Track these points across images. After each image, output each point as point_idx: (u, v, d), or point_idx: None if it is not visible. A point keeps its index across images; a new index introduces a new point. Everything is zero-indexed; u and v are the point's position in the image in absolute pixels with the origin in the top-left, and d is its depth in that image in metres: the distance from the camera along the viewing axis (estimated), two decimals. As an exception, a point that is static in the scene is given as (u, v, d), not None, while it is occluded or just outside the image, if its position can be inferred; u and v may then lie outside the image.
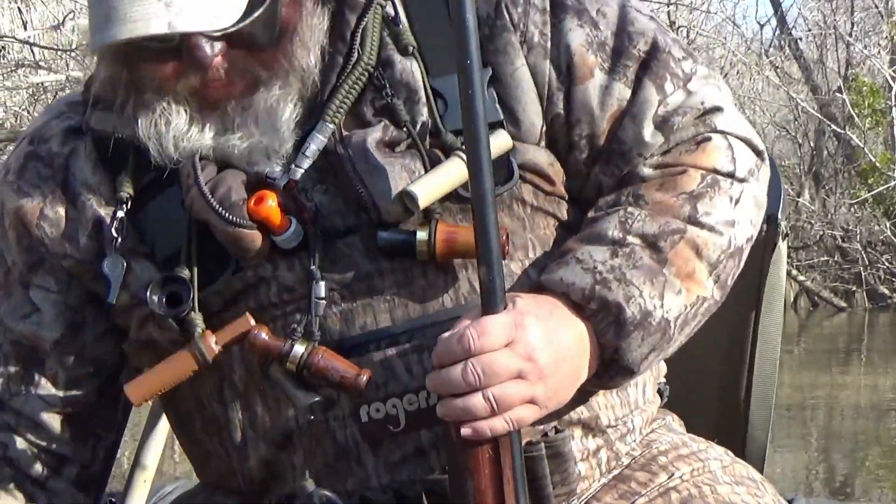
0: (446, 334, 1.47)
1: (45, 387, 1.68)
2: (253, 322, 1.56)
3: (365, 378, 1.52)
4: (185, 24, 1.49)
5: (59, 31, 9.49)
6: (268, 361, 1.56)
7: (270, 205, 1.56)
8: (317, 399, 1.55)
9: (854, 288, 20.39)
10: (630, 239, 1.58)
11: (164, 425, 2.24)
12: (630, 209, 1.60)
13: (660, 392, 1.79)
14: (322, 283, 1.58)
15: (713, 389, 1.93)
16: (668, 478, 1.68)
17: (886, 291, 19.96)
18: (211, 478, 1.73)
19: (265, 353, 1.55)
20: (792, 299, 19.53)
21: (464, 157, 1.53)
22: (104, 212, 1.65)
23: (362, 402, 1.56)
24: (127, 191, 1.64)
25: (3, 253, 1.72)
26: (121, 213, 1.62)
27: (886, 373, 12.94)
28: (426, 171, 1.57)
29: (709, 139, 1.64)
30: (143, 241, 1.65)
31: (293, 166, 1.58)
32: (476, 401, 1.44)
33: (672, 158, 1.64)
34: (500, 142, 1.58)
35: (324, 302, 1.57)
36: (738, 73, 22.57)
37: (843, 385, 12.11)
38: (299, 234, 1.58)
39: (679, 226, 1.59)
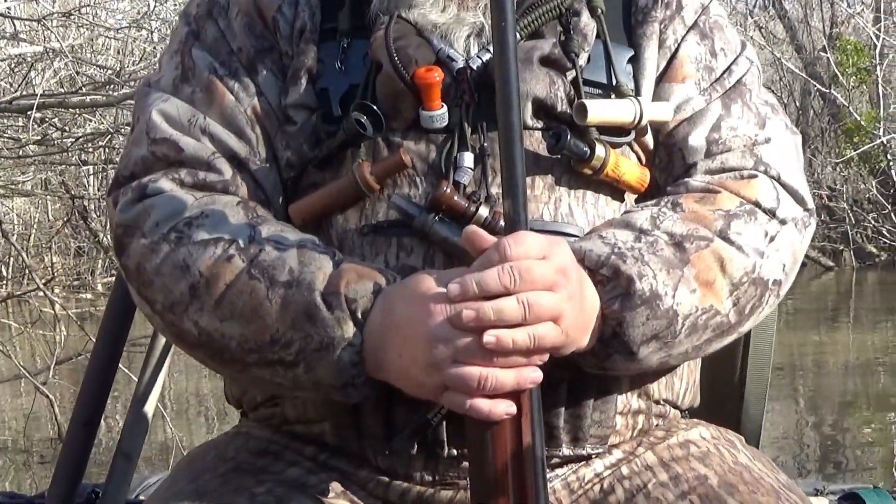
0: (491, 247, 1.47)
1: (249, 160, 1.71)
2: (407, 158, 1.62)
3: None
4: None
5: (36, 1, 9.47)
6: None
7: (437, 78, 1.61)
8: None
9: (841, 247, 20.47)
10: (657, 233, 1.62)
11: (148, 415, 2.23)
12: (664, 210, 1.65)
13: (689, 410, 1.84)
14: (469, 154, 1.62)
15: (709, 366, 1.91)
16: (688, 433, 1.75)
17: (874, 250, 20.06)
18: None
19: (450, 206, 1.58)
20: (780, 259, 19.59)
21: (637, 101, 1.67)
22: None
23: None
24: (346, 20, 1.71)
25: (227, 40, 1.73)
26: (344, 43, 1.70)
27: (874, 331, 13.00)
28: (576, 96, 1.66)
29: (755, 176, 1.70)
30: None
31: (475, 55, 1.66)
32: (509, 303, 1.43)
33: (717, 182, 1.69)
34: (623, 109, 1.67)
35: (470, 170, 1.61)
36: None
37: (832, 344, 12.16)
38: (444, 119, 1.64)
39: (708, 234, 1.63)
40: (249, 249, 1.57)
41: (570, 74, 1.68)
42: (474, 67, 1.65)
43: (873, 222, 19.78)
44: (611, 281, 1.56)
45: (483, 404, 1.44)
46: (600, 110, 1.64)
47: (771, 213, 1.68)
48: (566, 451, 1.66)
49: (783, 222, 1.69)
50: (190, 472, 1.72)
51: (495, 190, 1.62)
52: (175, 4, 10.20)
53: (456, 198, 1.59)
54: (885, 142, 17.77)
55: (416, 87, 1.62)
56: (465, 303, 1.43)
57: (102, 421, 2.15)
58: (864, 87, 19.26)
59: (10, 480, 6.53)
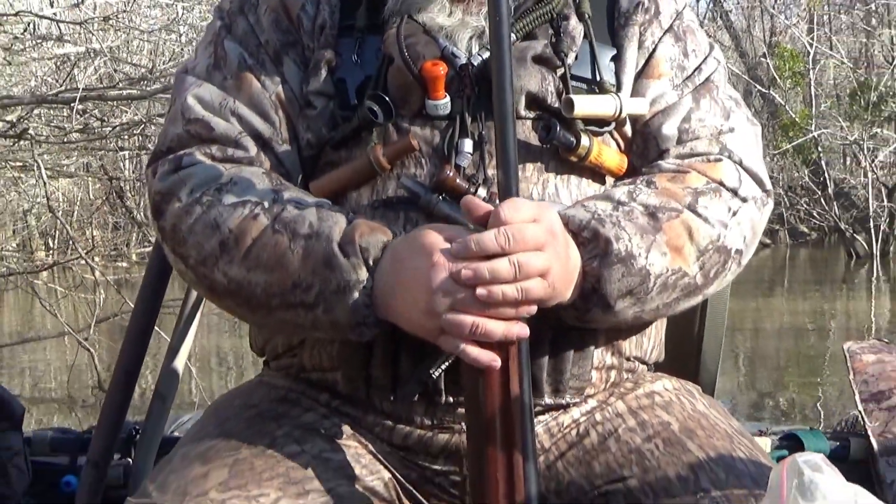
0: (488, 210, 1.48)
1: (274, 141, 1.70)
2: (415, 142, 1.62)
3: None
4: None
5: (79, 8, 9.44)
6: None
7: (441, 72, 1.61)
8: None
9: (777, 227, 20.58)
10: (633, 204, 1.61)
11: (180, 364, 2.22)
12: (640, 186, 1.65)
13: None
14: (468, 141, 1.62)
15: (673, 327, 1.91)
16: (653, 385, 1.75)
17: (805, 230, 20.20)
18: None
19: (453, 188, 1.58)
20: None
21: (617, 97, 1.68)
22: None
23: None
24: (363, 18, 1.69)
25: (256, 34, 1.72)
26: (360, 39, 1.69)
27: (805, 299, 13.07)
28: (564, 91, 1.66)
29: (720, 160, 1.71)
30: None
31: (475, 54, 1.65)
32: (502, 263, 1.44)
33: (687, 164, 1.69)
34: (605, 104, 1.68)
35: (470, 154, 1.62)
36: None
37: (768, 310, 12.22)
38: (447, 108, 1.63)
39: (678, 207, 1.63)
40: (273, 209, 1.56)
41: (560, 71, 1.67)
42: (475, 63, 1.63)
43: (805, 206, 19.93)
44: (591, 242, 1.56)
45: (473, 349, 1.44)
46: (585, 105, 1.64)
47: (733, 192, 1.68)
48: (548, 400, 1.66)
49: (744, 200, 1.69)
50: (218, 417, 1.72)
51: (492, 172, 1.60)
52: (200, 12, 10.19)
53: (458, 181, 1.59)
54: (816, 136, 17.86)
55: (423, 78, 1.62)
56: (465, 262, 1.44)
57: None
58: (799, 88, 19.32)
59: (56, 422, 6.53)
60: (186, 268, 1.63)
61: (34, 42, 9.23)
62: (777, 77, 18.51)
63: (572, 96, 1.64)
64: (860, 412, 2.54)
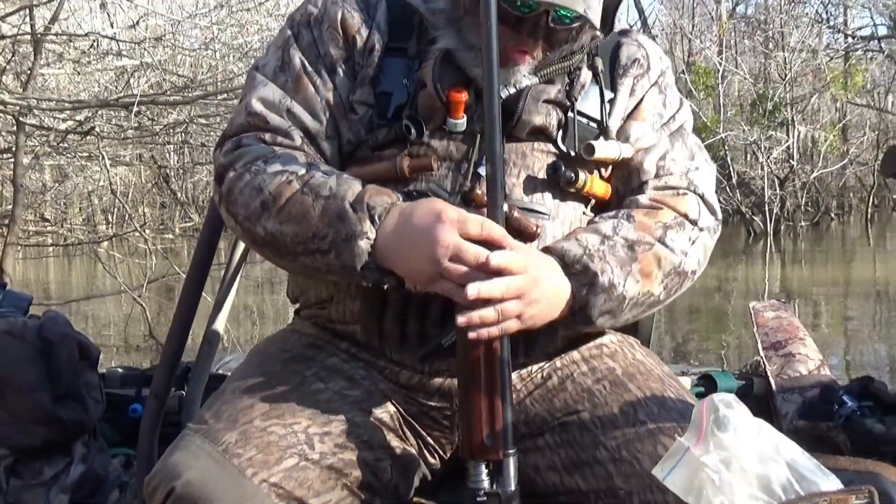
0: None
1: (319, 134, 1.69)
2: (435, 164, 1.62)
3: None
4: (595, 19, 1.63)
5: (135, 28, 9.35)
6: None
7: (463, 97, 1.61)
8: None
9: (691, 209, 20.51)
10: (616, 237, 1.62)
11: (224, 313, 2.22)
12: (622, 221, 1.65)
13: None
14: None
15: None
16: (601, 338, 1.76)
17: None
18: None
19: (479, 201, 1.58)
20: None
21: (620, 145, 1.70)
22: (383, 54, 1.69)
23: None
24: (414, 47, 1.68)
25: (317, 46, 1.70)
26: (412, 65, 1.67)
27: (712, 266, 13.04)
28: (565, 131, 1.68)
29: (686, 194, 1.71)
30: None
31: (504, 87, 1.64)
32: (489, 312, 1.46)
33: (660, 197, 1.70)
34: (613, 150, 1.70)
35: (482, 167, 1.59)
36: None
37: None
38: (463, 126, 1.63)
39: (651, 241, 1.64)
40: (304, 177, 1.57)
41: (566, 110, 1.69)
42: (502, 95, 1.62)
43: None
44: (581, 273, 1.58)
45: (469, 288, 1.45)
46: (602, 150, 1.66)
47: (694, 223, 1.69)
48: (521, 359, 1.69)
49: (701, 229, 1.70)
50: (258, 358, 1.73)
51: (510, 187, 1.64)
52: (232, 33, 10.09)
53: (484, 196, 1.57)
54: (723, 137, 17.87)
55: (447, 102, 1.62)
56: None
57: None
58: (710, 99, 19.30)
59: (115, 362, 6.52)
60: (236, 223, 1.63)
61: (98, 56, 9.12)
62: (693, 89, 18.46)
63: (593, 142, 1.66)
64: (762, 358, 2.56)
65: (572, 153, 1.67)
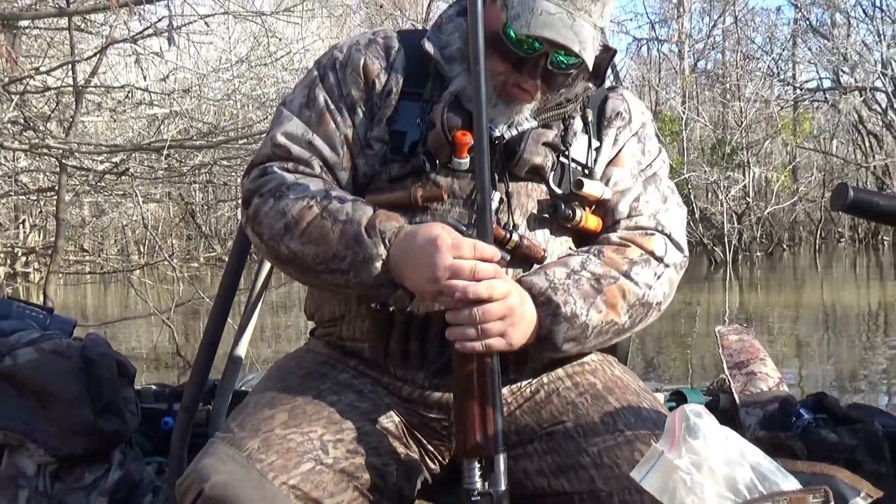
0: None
1: (336, 165, 1.69)
2: (445, 195, 1.63)
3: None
4: (589, 60, 1.60)
5: (165, 81, 9.38)
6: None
7: (468, 140, 1.59)
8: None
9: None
10: (583, 272, 1.62)
11: (248, 334, 2.21)
12: (591, 257, 1.65)
13: None
14: (497, 193, 1.62)
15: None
16: (581, 358, 1.74)
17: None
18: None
19: (497, 236, 1.58)
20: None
21: (604, 186, 1.69)
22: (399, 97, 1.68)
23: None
24: (429, 92, 1.67)
25: (340, 87, 1.69)
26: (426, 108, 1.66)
27: (678, 293, 12.85)
28: (562, 175, 1.68)
29: (653, 234, 1.70)
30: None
31: (503, 128, 1.63)
32: (471, 331, 1.48)
33: (629, 236, 1.69)
34: (598, 189, 1.69)
35: (496, 203, 1.61)
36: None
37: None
38: (466, 165, 1.63)
39: (616, 275, 1.64)
40: (323, 202, 1.58)
41: (559, 153, 1.69)
42: (505, 137, 1.64)
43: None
44: (545, 304, 1.58)
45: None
46: (589, 188, 1.67)
47: (660, 260, 1.68)
48: (511, 376, 1.69)
49: (667, 266, 1.69)
50: (278, 374, 1.73)
51: (517, 218, 1.65)
52: (250, 86, 10.12)
53: (501, 231, 1.61)
54: (687, 177, 17.90)
55: (453, 142, 1.62)
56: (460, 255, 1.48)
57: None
58: (675, 143, 19.37)
59: (145, 379, 6.48)
60: (261, 242, 1.64)
61: (132, 105, 9.14)
62: (659, 135, 18.55)
63: (582, 179, 1.67)
64: (727, 376, 2.54)
65: (562, 192, 1.68)
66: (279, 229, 1.59)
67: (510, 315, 1.51)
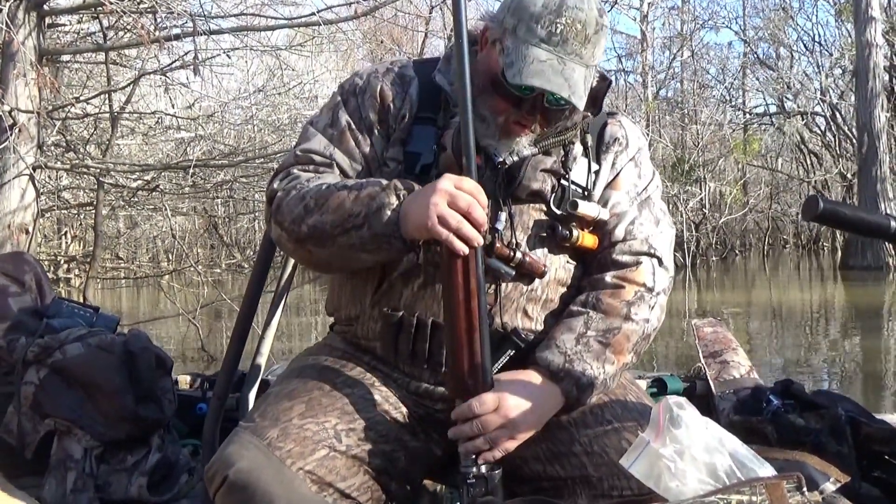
0: (464, 405, 1.49)
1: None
2: None
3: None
4: (579, 103, 1.51)
5: (191, 108, 9.35)
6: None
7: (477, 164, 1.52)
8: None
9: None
10: (589, 333, 1.58)
11: (272, 330, 2.17)
12: (591, 313, 1.60)
13: None
14: (504, 213, 1.58)
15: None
16: None
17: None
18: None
19: (501, 253, 1.56)
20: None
21: (599, 207, 1.62)
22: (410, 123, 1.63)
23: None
24: (442, 119, 1.63)
25: (360, 110, 1.65)
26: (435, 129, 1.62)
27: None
28: (562, 197, 1.61)
29: (642, 263, 1.63)
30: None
31: (505, 154, 1.58)
32: (479, 442, 1.49)
33: (622, 275, 1.62)
34: (593, 210, 1.63)
35: (503, 222, 1.59)
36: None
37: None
38: None
39: (619, 324, 1.59)
40: (338, 184, 1.55)
41: (559, 177, 1.63)
42: (507, 162, 1.59)
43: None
44: (566, 379, 1.55)
45: (455, 240, 1.43)
46: (584, 208, 1.61)
47: (651, 290, 1.63)
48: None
49: (657, 294, 1.64)
50: (298, 367, 1.70)
51: (520, 236, 1.61)
52: (267, 113, 10.10)
53: (505, 249, 1.57)
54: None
55: (461, 165, 1.56)
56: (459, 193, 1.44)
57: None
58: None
59: (175, 372, 6.43)
60: (282, 231, 1.58)
61: (162, 130, 9.13)
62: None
63: (577, 200, 1.60)
64: (702, 364, 2.52)
65: (560, 212, 1.62)
66: (299, 212, 1.54)
67: (507, 426, 1.49)
